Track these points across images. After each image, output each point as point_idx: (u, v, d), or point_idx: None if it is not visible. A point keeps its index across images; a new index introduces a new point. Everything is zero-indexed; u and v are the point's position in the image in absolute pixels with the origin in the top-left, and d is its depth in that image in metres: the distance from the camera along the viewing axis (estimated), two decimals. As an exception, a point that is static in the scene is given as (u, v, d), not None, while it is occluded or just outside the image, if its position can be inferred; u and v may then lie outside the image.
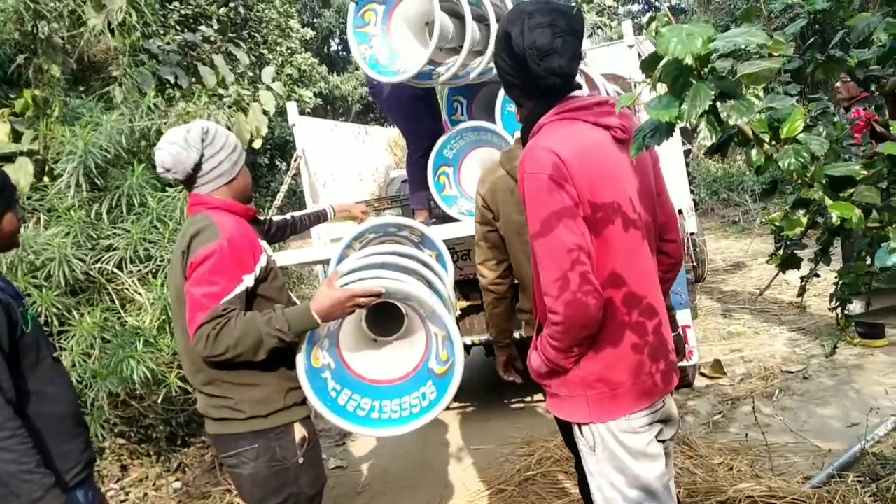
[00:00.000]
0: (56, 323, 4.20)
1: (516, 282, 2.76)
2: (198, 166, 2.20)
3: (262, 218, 2.69)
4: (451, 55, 3.80)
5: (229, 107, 6.08)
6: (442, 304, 2.20)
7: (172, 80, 5.99)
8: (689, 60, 1.00)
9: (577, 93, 1.90)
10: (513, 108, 4.29)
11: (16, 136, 4.79)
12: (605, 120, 1.86)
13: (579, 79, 4.23)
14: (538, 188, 1.77)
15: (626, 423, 1.86)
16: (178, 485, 4.63)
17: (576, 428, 1.95)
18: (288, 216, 3.06)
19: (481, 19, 3.76)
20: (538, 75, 1.82)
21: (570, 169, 1.75)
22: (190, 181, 2.23)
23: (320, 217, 3.30)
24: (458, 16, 3.67)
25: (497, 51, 1.93)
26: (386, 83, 4.08)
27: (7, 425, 1.95)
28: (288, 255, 4.48)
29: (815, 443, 3.81)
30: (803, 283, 1.87)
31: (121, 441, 4.73)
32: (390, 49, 3.78)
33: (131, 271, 4.47)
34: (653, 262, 1.95)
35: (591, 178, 1.77)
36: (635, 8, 28.18)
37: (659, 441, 1.96)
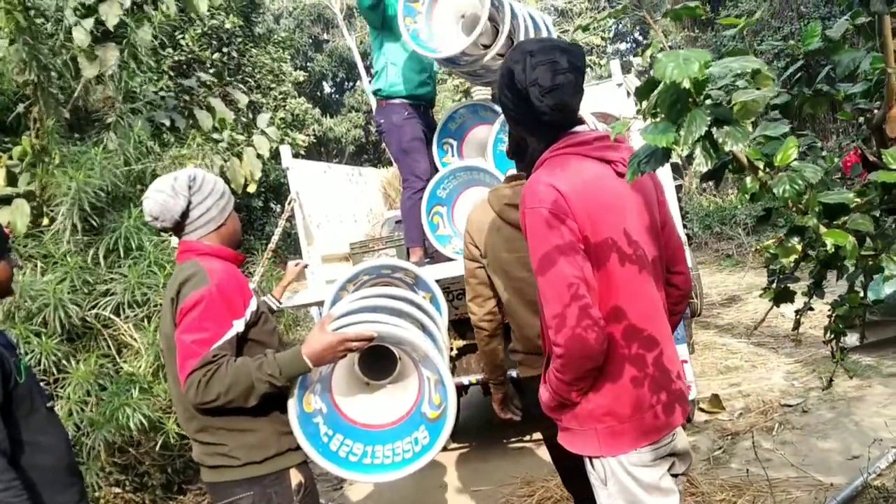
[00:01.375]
0: (55, 370, 4.18)
1: (507, 321, 2.75)
2: (185, 214, 2.20)
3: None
4: (475, 50, 4.13)
5: (226, 150, 6.12)
6: (435, 348, 2.19)
7: (168, 124, 6.03)
8: (686, 84, 1.01)
9: (578, 128, 1.92)
10: (504, 147, 4.33)
11: (11, 181, 4.82)
12: (606, 154, 1.87)
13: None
14: (539, 223, 1.78)
15: (637, 456, 1.84)
16: (174, 533, 4.56)
17: (587, 461, 1.93)
18: None
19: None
20: (541, 111, 1.84)
21: (571, 203, 1.77)
22: (178, 228, 2.23)
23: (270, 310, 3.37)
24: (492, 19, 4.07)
25: (500, 87, 1.96)
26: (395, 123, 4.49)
27: (2, 477, 1.93)
28: (283, 299, 4.47)
29: (817, 477, 3.76)
30: (798, 317, 1.87)
31: (116, 490, 4.66)
32: (429, 29, 4.22)
33: (128, 316, 4.45)
34: (659, 294, 1.95)
35: (591, 212, 1.78)
36: (623, 47, 28.59)
37: (672, 475, 1.94)
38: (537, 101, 1.83)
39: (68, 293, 4.28)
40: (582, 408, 1.87)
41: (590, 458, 1.91)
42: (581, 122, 1.95)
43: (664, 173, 2.53)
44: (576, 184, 1.80)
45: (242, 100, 7.75)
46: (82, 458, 4.19)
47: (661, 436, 1.86)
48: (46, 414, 2.27)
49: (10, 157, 4.80)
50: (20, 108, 4.80)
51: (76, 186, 4.39)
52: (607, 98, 5.10)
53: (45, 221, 4.70)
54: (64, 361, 4.28)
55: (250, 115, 8.24)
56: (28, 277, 4.28)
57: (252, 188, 6.35)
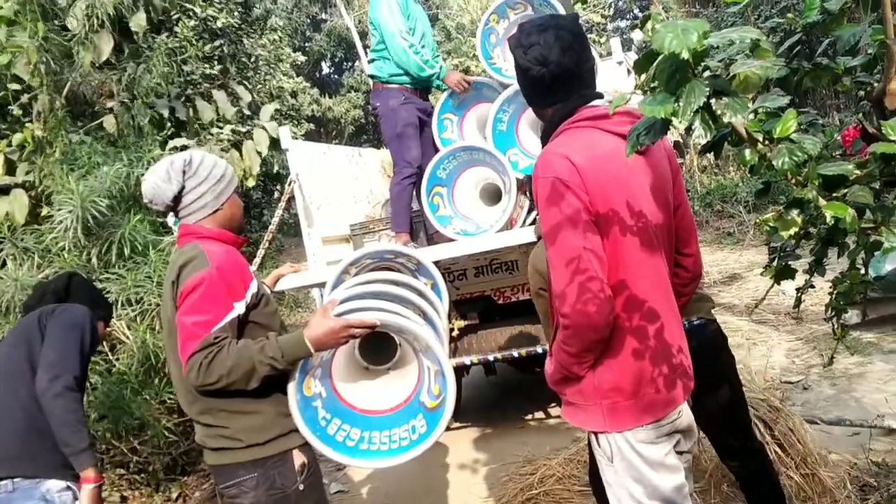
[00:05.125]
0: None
1: None
2: (177, 198, 2.20)
3: None
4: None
5: (227, 141, 6.11)
6: (436, 339, 2.19)
7: (168, 115, 6.01)
8: (685, 55, 1.00)
9: (596, 102, 1.92)
10: (504, 127, 4.31)
11: (9, 169, 4.80)
12: (622, 129, 1.85)
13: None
14: (550, 193, 1.79)
15: (643, 433, 1.84)
16: (178, 515, 4.59)
17: (592, 437, 1.94)
18: None
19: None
20: (527, 68, 1.88)
21: (583, 174, 1.76)
22: (173, 212, 2.23)
23: None
24: None
25: (516, 74, 2.01)
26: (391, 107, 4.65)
27: (75, 388, 2.49)
28: (284, 280, 4.47)
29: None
30: (799, 295, 1.87)
31: (120, 471, 4.69)
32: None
33: (121, 315, 4.46)
34: (667, 271, 1.94)
35: (603, 184, 1.78)
36: (623, 24, 28.37)
37: (677, 452, 1.94)
38: (522, 60, 1.88)
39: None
40: (587, 382, 1.86)
41: (596, 434, 1.91)
42: (599, 96, 1.95)
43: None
44: (590, 156, 1.79)
45: (245, 96, 7.73)
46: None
47: (666, 412, 1.86)
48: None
49: (9, 145, 4.78)
50: (24, 98, 4.78)
51: (80, 201, 4.38)
52: (608, 76, 5.07)
53: (45, 212, 4.68)
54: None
55: (251, 107, 8.19)
56: (25, 272, 4.29)
57: (251, 182, 6.35)
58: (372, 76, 4.83)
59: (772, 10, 12.78)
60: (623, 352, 1.82)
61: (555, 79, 1.88)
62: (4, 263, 4.53)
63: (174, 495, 4.74)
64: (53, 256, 4.46)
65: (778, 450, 2.94)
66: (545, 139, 1.97)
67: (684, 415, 1.95)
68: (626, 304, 1.81)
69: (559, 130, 1.90)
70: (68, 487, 2.47)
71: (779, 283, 1.74)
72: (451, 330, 4.87)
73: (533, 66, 1.87)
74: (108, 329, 3.17)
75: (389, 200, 4.78)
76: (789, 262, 1.74)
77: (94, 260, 4.55)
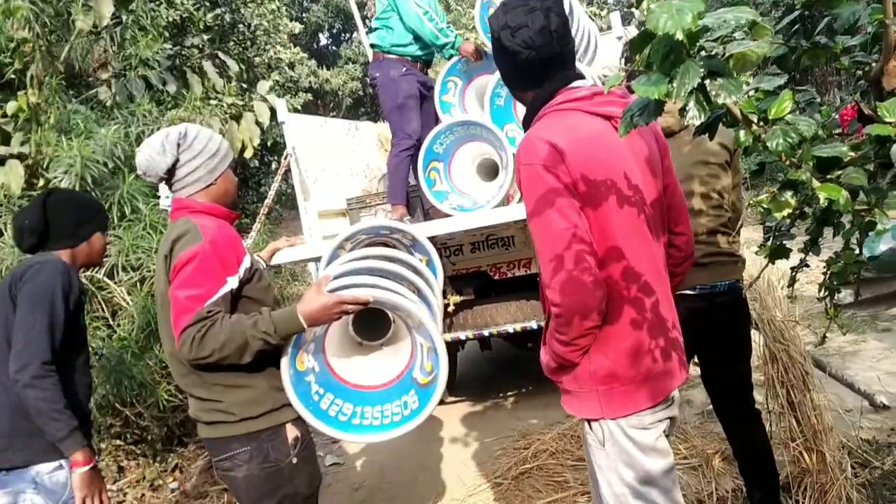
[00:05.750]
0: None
1: None
2: (171, 171, 2.19)
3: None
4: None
5: (225, 113, 6.08)
6: (430, 316, 2.20)
7: (161, 86, 5.97)
8: (679, 36, 0.99)
9: (577, 83, 1.89)
10: (501, 102, 4.29)
11: (4, 139, 4.77)
12: (605, 109, 1.83)
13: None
14: (535, 179, 1.76)
15: (637, 419, 1.84)
16: (175, 485, 4.62)
17: (585, 424, 1.93)
18: None
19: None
20: (513, 51, 1.83)
21: (567, 158, 1.74)
22: (166, 184, 2.22)
23: None
24: None
25: (493, 52, 1.96)
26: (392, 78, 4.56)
27: (46, 367, 2.30)
28: (281, 254, 4.47)
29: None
30: (793, 274, 1.87)
31: (117, 442, 4.72)
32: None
33: (121, 279, 4.46)
34: (660, 253, 1.93)
35: (588, 167, 1.75)
36: (624, -3, 28.11)
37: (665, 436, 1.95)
38: (508, 42, 1.83)
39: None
40: (583, 369, 1.85)
41: (588, 420, 1.91)
42: (580, 77, 1.91)
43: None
44: (573, 139, 1.76)
45: (233, 67, 7.67)
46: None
47: (663, 397, 1.86)
48: (85, 360, 2.62)
49: (4, 115, 4.74)
50: (16, 64, 4.72)
51: (79, 162, 4.35)
52: (607, 51, 5.03)
53: (41, 183, 4.66)
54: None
55: (246, 76, 8.13)
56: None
57: (249, 153, 6.34)
58: (373, 45, 4.78)
59: (772, -15, 12.66)
60: (618, 337, 1.81)
61: (543, 63, 1.85)
62: (2, 233, 4.52)
63: (171, 466, 4.78)
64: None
65: (794, 421, 2.99)
66: (527, 123, 1.94)
67: (675, 400, 1.96)
68: (618, 287, 1.80)
69: (541, 114, 1.87)
70: (60, 466, 2.40)
71: (773, 263, 1.74)
72: (447, 305, 4.88)
73: (522, 50, 1.82)
74: (108, 242, 2.89)
75: (387, 172, 4.77)
76: (784, 242, 1.74)
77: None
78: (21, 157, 4.68)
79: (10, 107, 4.68)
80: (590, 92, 1.85)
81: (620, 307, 1.81)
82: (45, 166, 4.62)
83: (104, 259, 4.20)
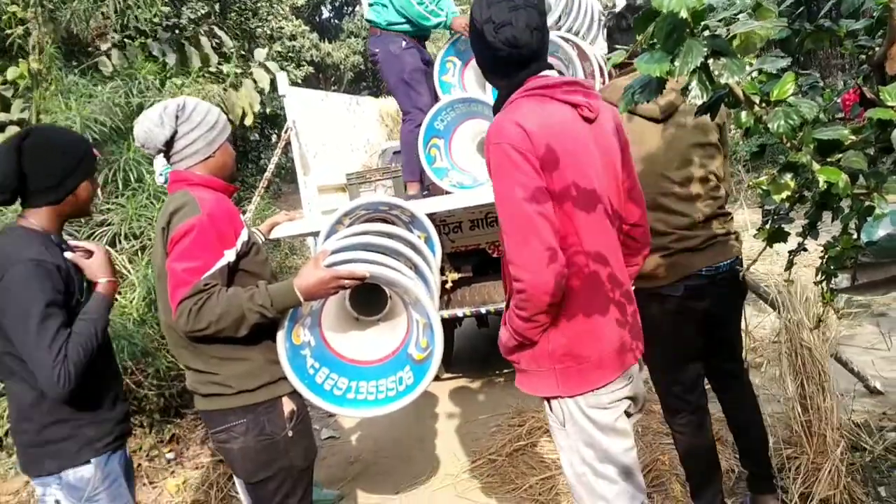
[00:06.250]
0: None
1: None
2: (169, 143, 2.19)
3: None
4: None
5: (223, 81, 6.05)
6: (427, 293, 2.21)
7: (160, 57, 5.94)
8: (683, 14, 0.98)
9: (546, 72, 1.94)
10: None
11: (4, 106, 4.74)
12: (572, 98, 1.90)
13: (571, 51, 4.20)
14: (503, 159, 1.80)
15: (594, 398, 1.90)
16: (171, 455, 4.66)
17: (546, 404, 2.00)
18: None
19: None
20: (495, 47, 1.87)
21: (535, 141, 1.79)
22: (164, 156, 2.22)
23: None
24: None
25: (470, 37, 1.99)
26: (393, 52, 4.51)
27: (68, 364, 2.01)
28: (280, 228, 4.46)
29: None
30: (791, 258, 1.87)
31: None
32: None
33: (123, 248, 4.47)
34: (616, 239, 1.99)
35: (555, 152, 1.81)
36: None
37: (626, 415, 2.00)
38: (491, 38, 1.86)
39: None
40: (541, 348, 1.91)
41: (548, 400, 1.97)
42: (549, 67, 1.96)
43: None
44: (541, 124, 1.82)
45: (227, 43, 7.63)
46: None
47: (617, 376, 1.92)
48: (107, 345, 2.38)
49: (5, 82, 4.71)
50: (18, 30, 4.68)
51: (80, 120, 4.33)
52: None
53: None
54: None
55: (246, 45, 8.07)
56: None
57: (249, 120, 6.31)
58: (370, 21, 4.72)
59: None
60: (576, 317, 1.87)
61: (521, 60, 1.89)
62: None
63: (167, 436, 4.81)
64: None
65: (799, 407, 3.03)
66: (497, 108, 1.98)
67: (635, 380, 2.01)
68: (578, 269, 1.86)
69: (511, 99, 1.92)
70: (87, 461, 2.19)
71: (771, 246, 1.74)
72: (445, 282, 4.89)
73: (503, 48, 1.86)
74: (97, 188, 2.38)
75: (401, 149, 4.73)
76: (782, 225, 1.74)
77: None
78: (21, 123, 4.65)
79: (11, 72, 4.65)
80: (558, 81, 1.92)
81: (579, 288, 1.87)
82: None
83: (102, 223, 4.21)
